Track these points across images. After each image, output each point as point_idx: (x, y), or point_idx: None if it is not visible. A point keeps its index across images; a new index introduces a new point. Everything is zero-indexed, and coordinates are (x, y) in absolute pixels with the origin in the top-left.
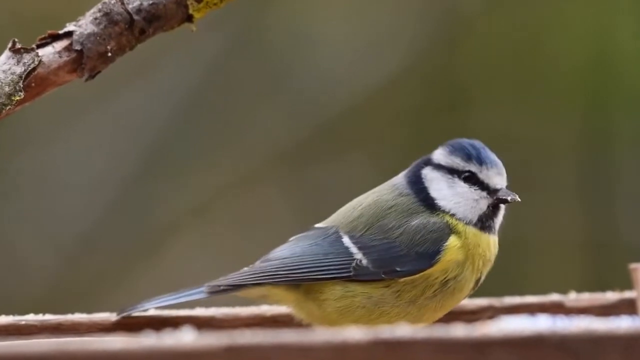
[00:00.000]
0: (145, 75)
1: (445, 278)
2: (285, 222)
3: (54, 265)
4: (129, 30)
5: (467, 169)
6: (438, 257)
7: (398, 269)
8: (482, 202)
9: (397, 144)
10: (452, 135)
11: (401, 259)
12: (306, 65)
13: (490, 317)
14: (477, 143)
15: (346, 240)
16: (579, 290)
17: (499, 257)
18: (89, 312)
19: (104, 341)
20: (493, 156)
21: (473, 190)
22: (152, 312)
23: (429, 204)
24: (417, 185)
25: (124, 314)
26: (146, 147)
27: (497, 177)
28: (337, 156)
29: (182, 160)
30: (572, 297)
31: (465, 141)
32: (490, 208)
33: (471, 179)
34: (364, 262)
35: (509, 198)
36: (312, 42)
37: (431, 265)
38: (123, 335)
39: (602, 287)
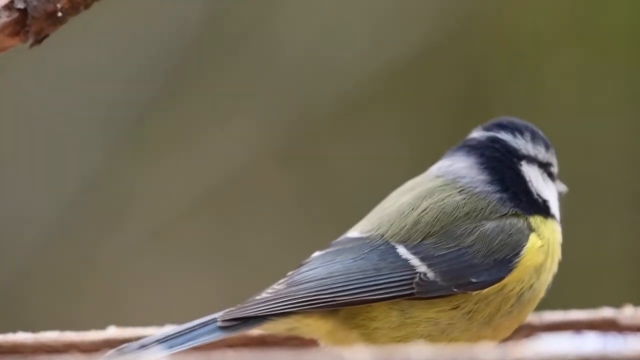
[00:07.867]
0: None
1: (521, 288)
2: (286, 215)
3: None
4: None
5: (549, 161)
6: (515, 261)
7: (474, 280)
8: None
9: (409, 127)
10: (475, 117)
11: (476, 267)
12: (311, 42)
13: (527, 336)
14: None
15: (402, 250)
16: (636, 304)
17: None
18: (34, 330)
19: None
20: None
21: (556, 185)
22: (112, 329)
23: (534, 207)
24: (516, 186)
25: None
26: (112, 129)
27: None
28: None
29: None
30: (628, 313)
31: (524, 122)
32: None
33: (552, 173)
34: (430, 275)
35: (563, 191)
36: (324, 16)
37: (509, 273)
38: (77, 358)
39: None
